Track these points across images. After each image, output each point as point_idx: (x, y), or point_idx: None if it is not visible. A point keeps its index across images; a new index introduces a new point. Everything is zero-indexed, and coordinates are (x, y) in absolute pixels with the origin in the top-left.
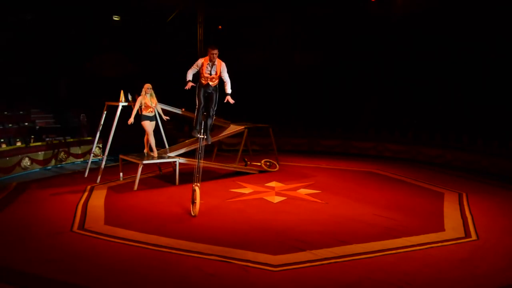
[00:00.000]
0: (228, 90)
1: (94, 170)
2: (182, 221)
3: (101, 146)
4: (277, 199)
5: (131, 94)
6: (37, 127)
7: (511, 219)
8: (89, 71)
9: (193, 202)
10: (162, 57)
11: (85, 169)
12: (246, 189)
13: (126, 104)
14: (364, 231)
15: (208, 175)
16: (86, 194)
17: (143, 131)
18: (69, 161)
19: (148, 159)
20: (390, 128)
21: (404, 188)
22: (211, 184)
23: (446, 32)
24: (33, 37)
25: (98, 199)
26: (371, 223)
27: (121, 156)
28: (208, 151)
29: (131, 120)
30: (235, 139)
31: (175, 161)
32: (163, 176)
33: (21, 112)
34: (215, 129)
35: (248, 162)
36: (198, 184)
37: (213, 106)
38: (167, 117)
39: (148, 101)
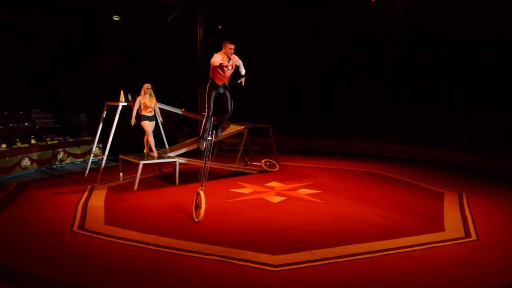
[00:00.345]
0: (243, 72)
1: (94, 170)
2: (182, 221)
3: (101, 146)
4: (277, 199)
5: (131, 94)
6: (37, 127)
7: (511, 219)
8: (89, 71)
9: (197, 207)
10: (162, 57)
11: (85, 169)
12: (246, 189)
13: (126, 104)
14: (364, 231)
15: (208, 175)
16: (86, 194)
17: (143, 131)
18: (69, 161)
19: (148, 159)
20: (390, 128)
21: (404, 188)
22: (211, 184)
23: (446, 32)
24: (33, 37)
25: (98, 199)
26: (371, 223)
27: (121, 156)
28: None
29: (133, 120)
30: (235, 139)
31: (175, 161)
32: (163, 176)
33: (21, 112)
34: None
35: (248, 162)
36: (203, 188)
37: (230, 104)
38: (161, 120)
39: (147, 101)
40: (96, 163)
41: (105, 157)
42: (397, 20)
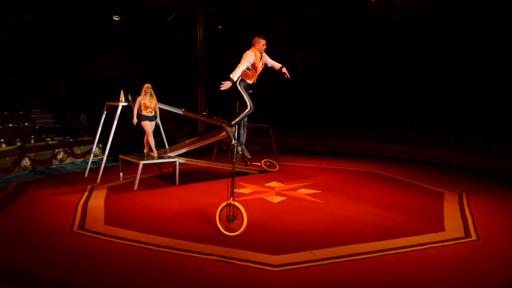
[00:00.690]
0: (279, 64)
1: (94, 170)
2: (182, 221)
3: (101, 146)
4: (277, 199)
5: (131, 94)
6: (37, 127)
7: (511, 219)
8: (89, 71)
9: (232, 220)
10: (162, 57)
11: (85, 169)
12: (246, 189)
13: (126, 104)
14: (364, 231)
15: (208, 175)
16: (86, 194)
17: (143, 131)
18: (69, 161)
19: (148, 159)
20: (390, 128)
21: (404, 188)
22: (211, 184)
23: (446, 32)
24: (33, 37)
25: (98, 199)
26: (371, 223)
27: (121, 156)
28: (208, 151)
29: (135, 120)
30: None
31: (175, 161)
32: (163, 176)
33: (20, 112)
34: (215, 130)
35: (248, 162)
36: (236, 200)
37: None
38: (158, 120)
39: (147, 101)
40: (96, 163)
41: (105, 157)
42: (397, 20)
